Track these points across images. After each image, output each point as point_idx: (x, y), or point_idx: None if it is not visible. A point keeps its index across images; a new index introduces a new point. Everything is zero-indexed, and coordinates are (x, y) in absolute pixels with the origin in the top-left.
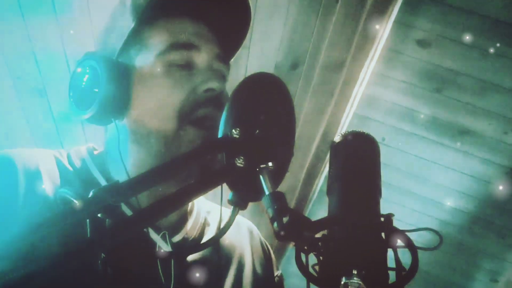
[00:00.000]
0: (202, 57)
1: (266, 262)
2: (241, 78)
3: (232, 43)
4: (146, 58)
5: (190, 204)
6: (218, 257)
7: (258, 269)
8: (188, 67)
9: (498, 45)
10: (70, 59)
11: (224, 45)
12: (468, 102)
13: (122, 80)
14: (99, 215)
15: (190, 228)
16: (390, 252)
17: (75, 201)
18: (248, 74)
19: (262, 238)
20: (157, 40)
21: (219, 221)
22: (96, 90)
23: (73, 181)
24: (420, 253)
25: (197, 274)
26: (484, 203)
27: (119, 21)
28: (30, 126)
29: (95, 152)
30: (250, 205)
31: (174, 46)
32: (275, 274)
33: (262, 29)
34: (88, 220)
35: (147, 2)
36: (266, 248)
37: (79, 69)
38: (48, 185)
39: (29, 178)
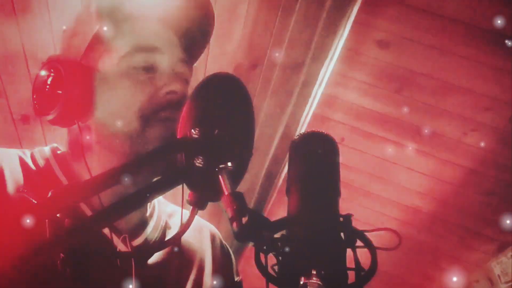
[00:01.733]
0: (165, 60)
1: (227, 267)
2: (200, 78)
3: (195, 47)
4: (110, 61)
5: (151, 208)
6: (179, 261)
7: (218, 274)
8: (151, 70)
9: (457, 45)
10: (30, 60)
11: (187, 49)
12: (427, 102)
13: (86, 82)
14: (58, 215)
15: (151, 231)
16: (349, 252)
17: (34, 201)
18: (207, 74)
19: (224, 243)
20: (120, 43)
21: (180, 223)
22: (60, 92)
23: (36, 181)
24: (380, 253)
25: (158, 277)
26: (443, 204)
27: (83, 24)
28: None
29: (58, 152)
30: (209, 205)
31: (138, 49)
32: (235, 279)
33: (222, 28)
34: (47, 220)
35: (112, 6)
36: (227, 253)
37: (43, 72)
38: (11, 184)
39: None
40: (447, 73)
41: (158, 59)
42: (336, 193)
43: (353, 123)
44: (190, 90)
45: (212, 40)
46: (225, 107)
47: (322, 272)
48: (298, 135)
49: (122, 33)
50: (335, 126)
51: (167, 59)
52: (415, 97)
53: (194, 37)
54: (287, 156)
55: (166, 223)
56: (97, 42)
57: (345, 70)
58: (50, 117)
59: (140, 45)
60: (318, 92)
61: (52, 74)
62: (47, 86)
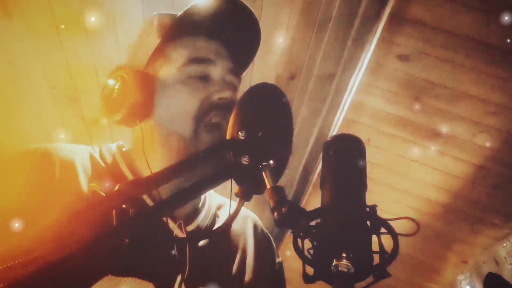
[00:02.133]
0: (216, 71)
1: (268, 250)
2: (246, 87)
3: (243, 60)
4: (169, 70)
5: (202, 199)
6: (226, 245)
7: (261, 257)
8: (204, 78)
9: (467, 59)
10: (99, 71)
11: (236, 61)
12: (441, 108)
13: (147, 88)
14: (123, 206)
15: (202, 219)
16: (374, 238)
17: (102, 194)
18: (252, 84)
19: (265, 230)
20: (179, 55)
21: (229, 213)
22: (125, 96)
23: (103, 175)
24: (401, 239)
25: (208, 258)
26: (455, 195)
27: (147, 38)
28: (64, 128)
29: (124, 149)
30: (254, 197)
31: (193, 60)
32: (276, 261)
33: (265, 44)
34: (113, 210)
35: (172, 22)
36: (268, 239)
37: (111, 81)
38: (82, 177)
39: (64, 170)
40: (459, 83)
41: (210, 69)
42: (363, 187)
43: (378, 126)
44: (238, 96)
45: (257, 54)
46: (268, 112)
47: (351, 255)
48: (330, 136)
49: (179, 46)
50: (362, 129)
51: (218, 70)
52: (431, 104)
53: (242, 51)
54: (321, 154)
55: (215, 212)
56: (157, 54)
57: (371, 80)
58: (117, 117)
59: (195, 57)
60: (348, 99)
61: (119, 81)
62: (115, 92)
